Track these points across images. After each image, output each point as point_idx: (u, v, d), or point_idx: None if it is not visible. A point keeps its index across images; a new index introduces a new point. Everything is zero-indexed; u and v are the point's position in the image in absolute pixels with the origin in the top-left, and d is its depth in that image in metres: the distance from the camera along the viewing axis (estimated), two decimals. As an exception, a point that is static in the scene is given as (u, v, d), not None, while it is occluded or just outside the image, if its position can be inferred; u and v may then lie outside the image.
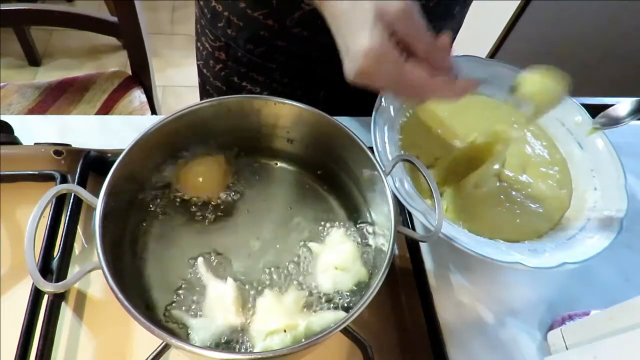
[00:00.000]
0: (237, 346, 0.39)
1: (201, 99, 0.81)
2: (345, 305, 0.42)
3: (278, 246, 0.46)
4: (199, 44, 0.73)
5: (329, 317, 0.40)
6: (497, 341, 0.50)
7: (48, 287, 0.34)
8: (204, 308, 0.41)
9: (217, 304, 0.40)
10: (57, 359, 0.43)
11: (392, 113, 0.58)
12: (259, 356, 0.33)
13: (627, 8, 1.39)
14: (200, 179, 0.48)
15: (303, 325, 0.39)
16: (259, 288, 0.43)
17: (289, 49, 0.63)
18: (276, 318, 0.39)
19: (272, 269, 0.44)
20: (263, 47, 0.63)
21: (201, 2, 0.67)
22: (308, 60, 0.64)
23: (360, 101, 0.58)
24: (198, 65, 0.76)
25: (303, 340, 0.36)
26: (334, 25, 0.37)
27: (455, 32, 0.72)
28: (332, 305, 0.42)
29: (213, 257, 0.44)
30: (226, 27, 0.64)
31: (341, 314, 0.41)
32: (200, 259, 0.43)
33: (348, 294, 0.42)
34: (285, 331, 0.38)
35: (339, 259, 0.43)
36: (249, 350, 0.39)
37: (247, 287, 0.43)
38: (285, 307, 0.40)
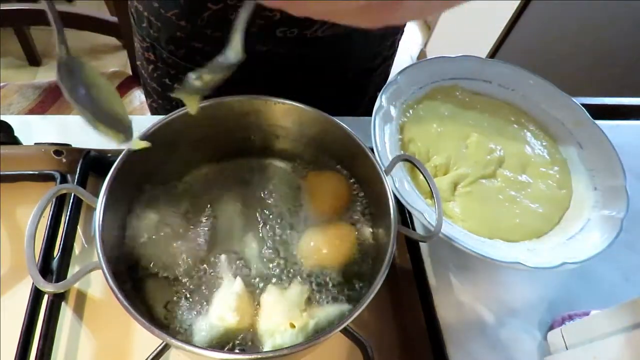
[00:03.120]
0: (248, 345, 0.39)
1: (147, 99, 0.81)
2: (349, 297, 0.42)
3: (278, 239, 0.46)
4: (136, 44, 0.72)
5: (334, 310, 0.40)
6: (497, 341, 0.50)
7: (48, 287, 0.34)
8: (208, 307, 0.41)
9: (221, 303, 0.40)
10: (57, 359, 0.43)
11: (392, 113, 0.58)
12: (259, 356, 0.33)
13: (626, 8, 1.39)
14: (330, 197, 0.48)
15: (312, 322, 0.39)
16: (263, 279, 0.43)
17: (207, 51, 0.62)
18: (282, 315, 0.39)
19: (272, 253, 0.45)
20: (183, 49, 0.63)
21: (128, 2, 0.66)
22: None
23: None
24: (137, 66, 0.75)
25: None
26: None
27: (394, 36, 0.70)
28: (337, 297, 0.42)
29: (226, 256, 0.44)
30: (149, 27, 0.63)
31: (346, 307, 0.41)
32: (223, 256, 0.43)
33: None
34: (294, 327, 0.38)
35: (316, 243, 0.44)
36: (259, 349, 0.38)
37: (254, 280, 0.43)
38: (290, 302, 0.40)
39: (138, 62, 0.74)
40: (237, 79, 0.57)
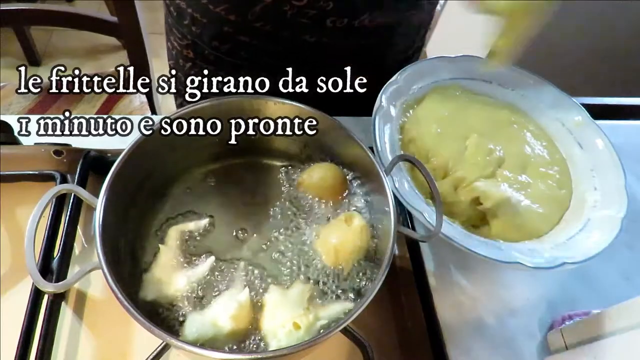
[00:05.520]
0: (252, 345, 0.39)
1: (176, 99, 0.82)
2: (353, 296, 0.42)
3: (279, 241, 0.46)
4: (168, 43, 0.73)
5: (337, 308, 0.40)
6: (497, 341, 0.50)
7: (48, 287, 0.34)
8: (209, 305, 0.41)
9: (221, 307, 0.40)
10: (57, 359, 0.43)
11: (392, 113, 0.58)
12: (259, 356, 0.33)
13: (626, 8, 1.39)
14: (325, 184, 0.48)
15: (319, 323, 0.39)
16: (266, 279, 0.43)
17: (254, 45, 0.62)
18: (285, 314, 0.39)
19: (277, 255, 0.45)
20: (228, 44, 0.63)
21: (167, 1, 0.67)
22: (274, 56, 0.64)
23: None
24: (169, 65, 0.76)
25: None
26: None
27: (426, 26, 0.72)
28: (339, 295, 0.42)
29: (244, 263, 0.44)
30: (191, 24, 0.64)
31: (348, 305, 0.41)
32: (242, 263, 0.43)
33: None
34: (299, 328, 0.38)
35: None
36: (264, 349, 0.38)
37: (260, 281, 0.43)
38: (292, 301, 0.40)
39: (171, 62, 0.75)
40: (283, 69, 0.58)
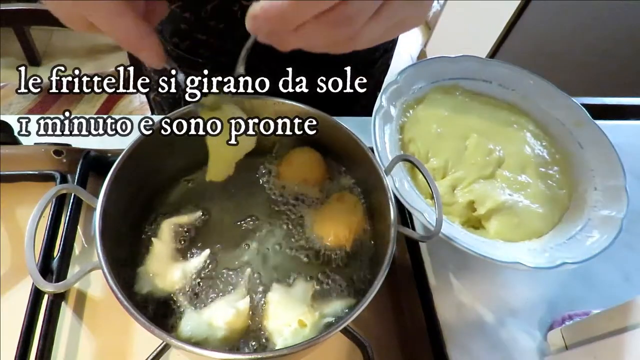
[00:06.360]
0: (259, 345, 0.39)
1: (150, 93, 0.82)
2: (354, 292, 0.43)
3: (279, 234, 0.46)
4: None
5: (341, 304, 0.40)
6: (497, 341, 0.50)
7: (48, 287, 0.34)
8: (208, 306, 0.40)
9: (219, 310, 0.40)
10: (57, 359, 0.43)
11: (392, 113, 0.58)
12: (259, 356, 0.33)
13: (626, 8, 1.39)
14: (304, 167, 0.48)
15: (324, 321, 0.39)
16: (269, 277, 0.43)
17: (210, 43, 0.62)
18: (289, 312, 0.39)
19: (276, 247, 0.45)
20: (187, 42, 0.64)
21: None
22: (232, 56, 0.64)
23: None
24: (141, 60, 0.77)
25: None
26: None
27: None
28: (343, 291, 0.42)
29: (250, 270, 0.43)
30: None
31: (352, 301, 0.41)
32: (248, 270, 0.43)
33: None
34: (305, 326, 0.38)
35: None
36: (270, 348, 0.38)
37: (261, 282, 0.43)
38: (295, 299, 0.40)
39: None
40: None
